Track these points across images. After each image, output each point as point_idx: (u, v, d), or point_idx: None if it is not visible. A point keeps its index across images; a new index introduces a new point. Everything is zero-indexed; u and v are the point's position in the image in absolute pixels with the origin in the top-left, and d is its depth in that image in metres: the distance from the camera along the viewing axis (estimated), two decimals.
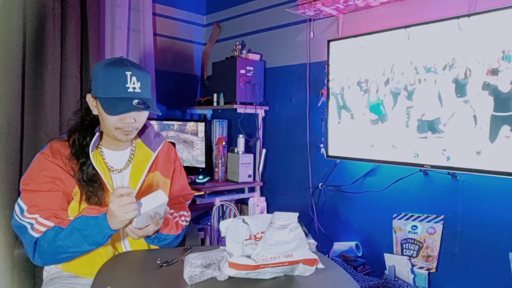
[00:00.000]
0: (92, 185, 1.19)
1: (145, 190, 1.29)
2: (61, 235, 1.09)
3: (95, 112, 1.23)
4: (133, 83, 1.15)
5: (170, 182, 1.40)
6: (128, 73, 1.14)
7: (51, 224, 1.12)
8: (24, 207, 1.14)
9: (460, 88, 1.76)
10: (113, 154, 1.29)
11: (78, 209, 1.19)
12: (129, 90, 1.14)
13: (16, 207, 1.16)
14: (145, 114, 1.22)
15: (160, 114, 1.26)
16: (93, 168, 1.20)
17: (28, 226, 1.13)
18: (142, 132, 1.34)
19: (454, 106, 1.78)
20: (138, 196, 1.26)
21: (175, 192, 1.42)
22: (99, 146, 1.27)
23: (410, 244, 2.02)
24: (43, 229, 1.12)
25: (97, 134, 1.23)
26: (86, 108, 1.27)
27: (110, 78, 1.15)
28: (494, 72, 1.65)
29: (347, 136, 2.22)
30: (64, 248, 1.10)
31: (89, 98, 1.23)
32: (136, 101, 1.14)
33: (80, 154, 1.20)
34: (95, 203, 1.19)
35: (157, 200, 1.09)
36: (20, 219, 1.14)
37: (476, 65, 1.71)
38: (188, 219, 1.41)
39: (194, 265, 0.92)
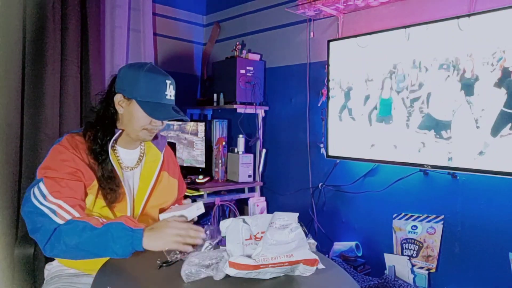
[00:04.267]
0: (110, 182, 1.22)
1: (156, 189, 1.35)
2: (93, 233, 1.05)
3: (121, 111, 1.26)
4: (170, 91, 1.26)
5: (178, 182, 1.47)
6: (168, 82, 1.25)
7: (76, 213, 1.09)
8: (46, 191, 1.09)
9: (460, 88, 1.76)
10: (126, 152, 1.33)
11: (93, 203, 1.20)
12: (167, 97, 1.25)
13: (36, 191, 1.10)
14: None
15: (189, 120, 1.36)
16: (112, 164, 1.23)
17: (50, 212, 1.08)
18: None
19: (454, 106, 1.78)
20: (150, 195, 1.34)
21: (181, 192, 1.52)
22: (115, 144, 1.31)
23: (410, 244, 2.02)
24: (68, 216, 1.08)
25: (119, 132, 1.26)
26: (105, 106, 1.29)
27: (152, 84, 1.23)
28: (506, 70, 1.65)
29: (347, 136, 2.22)
30: (86, 246, 1.06)
31: (119, 98, 1.25)
32: (172, 108, 1.26)
33: (101, 150, 1.23)
34: (113, 200, 1.21)
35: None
36: (40, 203, 1.08)
37: (476, 65, 1.71)
38: None
39: (191, 263, 0.93)
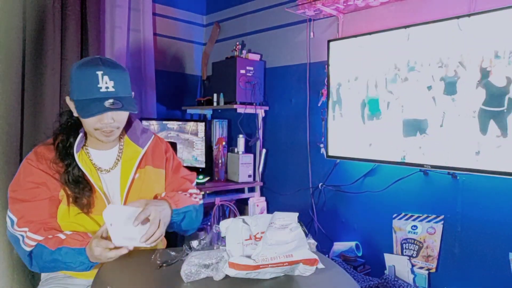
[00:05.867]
0: (78, 186, 1.17)
1: (137, 187, 1.28)
2: (53, 256, 1.10)
3: (76, 114, 1.20)
4: (105, 83, 1.11)
5: (165, 171, 1.39)
6: (99, 73, 1.11)
7: (40, 237, 1.12)
8: (14, 219, 1.14)
9: (460, 88, 1.76)
10: (100, 154, 1.27)
11: (67, 211, 1.18)
12: (101, 90, 1.11)
13: (7, 220, 1.16)
14: (124, 113, 1.19)
15: (137, 112, 1.21)
16: (79, 169, 1.18)
17: (20, 238, 1.13)
18: (129, 129, 1.32)
19: (454, 106, 1.78)
20: (128, 195, 1.26)
21: (173, 177, 1.41)
22: (85, 146, 1.25)
23: (410, 244, 2.02)
24: (33, 243, 1.12)
25: (81, 134, 1.21)
26: (69, 110, 1.25)
27: (82, 79, 1.12)
28: (485, 69, 1.65)
29: (347, 136, 2.21)
30: (56, 266, 1.13)
31: (68, 101, 1.20)
32: (110, 101, 1.11)
33: (65, 156, 1.19)
34: (84, 205, 1.18)
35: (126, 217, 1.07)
36: (12, 229, 1.15)
37: (476, 65, 1.71)
38: (200, 196, 1.41)
39: (191, 263, 0.92)
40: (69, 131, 1.22)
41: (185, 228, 1.33)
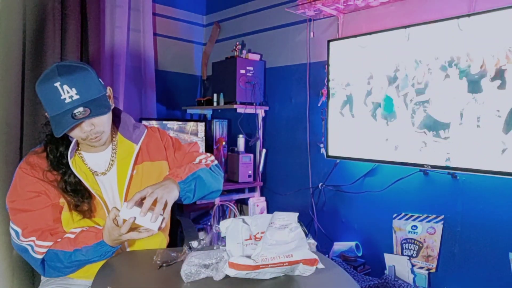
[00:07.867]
0: (77, 195, 1.15)
1: (136, 183, 1.25)
2: (71, 257, 1.10)
3: None
4: (67, 92, 1.05)
5: (168, 161, 1.34)
6: (57, 84, 1.04)
7: (49, 243, 1.11)
8: (19, 230, 1.12)
9: (459, 88, 1.76)
10: (94, 156, 1.24)
11: (70, 217, 1.17)
12: (66, 101, 1.05)
13: (12, 232, 1.14)
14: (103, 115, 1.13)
15: (112, 107, 1.16)
16: (75, 176, 1.16)
17: (29, 248, 1.12)
18: (120, 125, 1.28)
19: (454, 106, 1.78)
20: (128, 191, 1.24)
21: (178, 157, 1.38)
22: (78, 150, 1.23)
23: (410, 244, 2.02)
24: (44, 250, 1.11)
25: (74, 140, 1.17)
26: None
27: (45, 97, 1.08)
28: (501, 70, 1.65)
29: (347, 136, 2.22)
30: (75, 265, 1.13)
31: (47, 115, 1.16)
32: (79, 109, 1.06)
33: (58, 165, 1.16)
34: (85, 211, 1.17)
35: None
36: (18, 240, 1.13)
37: (475, 65, 1.71)
38: (212, 158, 1.38)
39: (191, 263, 0.92)
40: (56, 140, 1.18)
41: (205, 193, 1.29)
